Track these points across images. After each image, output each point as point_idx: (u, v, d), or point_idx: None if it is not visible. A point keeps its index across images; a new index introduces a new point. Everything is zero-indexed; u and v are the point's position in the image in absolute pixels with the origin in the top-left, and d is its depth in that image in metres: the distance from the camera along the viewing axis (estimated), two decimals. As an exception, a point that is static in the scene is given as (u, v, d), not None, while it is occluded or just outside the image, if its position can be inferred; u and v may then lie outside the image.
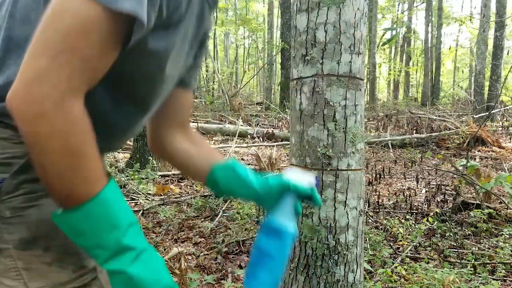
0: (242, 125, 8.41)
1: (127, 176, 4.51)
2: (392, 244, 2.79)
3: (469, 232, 2.95)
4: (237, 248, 2.77)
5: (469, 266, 2.38)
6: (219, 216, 3.39)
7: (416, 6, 24.63)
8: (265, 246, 0.83)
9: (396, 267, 2.37)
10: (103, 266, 0.67)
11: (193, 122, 8.56)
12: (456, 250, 2.66)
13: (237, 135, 7.48)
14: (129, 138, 0.91)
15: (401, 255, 2.59)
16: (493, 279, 2.24)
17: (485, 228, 2.97)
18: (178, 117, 0.98)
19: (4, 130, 0.72)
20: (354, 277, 1.15)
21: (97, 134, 0.68)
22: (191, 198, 3.89)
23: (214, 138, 7.71)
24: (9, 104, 0.59)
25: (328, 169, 1.10)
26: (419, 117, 9.09)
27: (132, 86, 0.76)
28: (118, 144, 0.90)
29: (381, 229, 3.09)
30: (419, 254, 2.68)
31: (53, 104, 0.58)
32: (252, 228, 3.08)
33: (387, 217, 3.31)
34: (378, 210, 3.52)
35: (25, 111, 0.58)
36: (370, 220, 3.26)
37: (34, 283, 0.74)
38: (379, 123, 8.67)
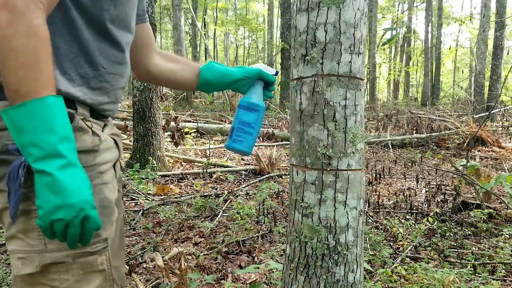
0: (242, 125, 8.40)
1: (127, 176, 4.52)
2: (392, 244, 2.79)
3: (469, 232, 2.95)
4: (237, 248, 2.76)
5: (469, 266, 2.38)
6: (219, 216, 3.39)
7: (416, 6, 24.62)
8: (246, 118, 1.14)
9: (396, 267, 2.37)
10: (33, 164, 0.74)
11: (193, 122, 8.57)
12: (456, 250, 2.66)
13: (237, 135, 7.46)
14: (120, 86, 1.01)
15: (401, 255, 2.59)
16: (493, 279, 2.24)
17: (485, 228, 2.97)
18: (149, 46, 1.16)
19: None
20: (354, 277, 1.15)
21: (90, 78, 0.90)
22: (191, 198, 3.89)
23: (214, 138, 7.71)
24: None
25: (328, 169, 1.10)
26: (419, 117, 9.09)
27: (100, 10, 0.90)
28: (114, 94, 0.99)
29: (381, 229, 3.09)
30: (419, 254, 2.68)
31: (18, 12, 0.73)
32: (252, 228, 3.08)
33: (387, 217, 3.31)
34: (378, 210, 3.52)
35: (1, 19, 0.72)
36: (370, 220, 3.26)
37: (52, 244, 0.84)
38: (379, 123, 8.66)
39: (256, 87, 1.18)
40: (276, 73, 1.23)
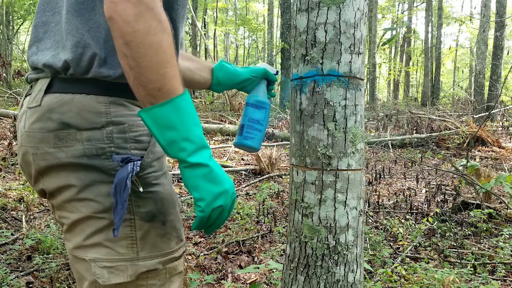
0: (242, 125, 8.40)
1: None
2: (392, 244, 2.79)
3: (469, 232, 2.95)
4: (237, 248, 2.76)
5: (469, 266, 2.38)
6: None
7: (416, 6, 24.61)
8: (255, 115, 1.17)
9: (396, 267, 2.37)
10: (188, 158, 0.74)
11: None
12: (456, 250, 2.66)
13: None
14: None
15: (401, 255, 2.59)
16: (493, 279, 2.24)
17: (485, 228, 2.97)
18: None
19: (138, 109, 0.83)
20: (354, 277, 1.15)
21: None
22: (191, 198, 3.89)
23: (214, 138, 7.71)
24: (110, 12, 0.69)
25: (328, 169, 1.10)
26: (419, 117, 9.08)
27: (176, 9, 0.89)
28: None
29: (381, 229, 3.09)
30: (419, 254, 2.68)
31: (146, 7, 0.69)
32: (252, 228, 3.08)
33: (387, 217, 3.31)
34: (378, 210, 3.52)
35: (125, 14, 0.68)
36: (370, 220, 3.26)
37: (144, 252, 0.83)
38: (379, 123, 8.66)
39: (261, 86, 1.22)
40: (277, 72, 1.27)
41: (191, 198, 3.89)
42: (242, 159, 6.13)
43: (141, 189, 0.81)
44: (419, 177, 4.83)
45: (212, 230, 0.82)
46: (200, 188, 0.76)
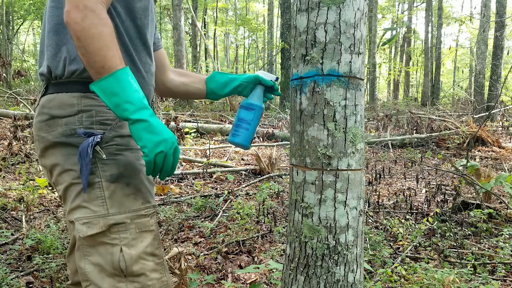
0: (242, 125, 8.38)
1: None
2: (392, 244, 2.79)
3: (469, 232, 2.95)
4: (237, 248, 2.77)
5: (469, 266, 2.38)
6: (219, 216, 3.39)
7: (416, 6, 24.61)
8: (245, 116, 1.31)
9: (396, 267, 2.37)
10: (131, 116, 0.96)
11: (193, 122, 8.56)
12: (456, 250, 2.66)
13: (237, 135, 7.45)
14: (151, 83, 1.24)
15: (401, 255, 2.59)
16: (493, 279, 2.24)
17: (485, 228, 2.97)
18: (165, 67, 1.41)
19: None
20: (354, 277, 1.15)
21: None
22: (191, 198, 3.89)
23: (214, 138, 7.70)
24: (66, 18, 0.95)
25: (328, 169, 1.10)
26: (419, 117, 9.08)
27: (134, 18, 1.13)
28: (148, 88, 1.21)
29: (381, 229, 3.09)
30: (419, 254, 2.68)
31: (89, 10, 0.94)
32: (252, 228, 3.08)
33: (387, 217, 3.31)
34: (378, 210, 3.52)
35: (75, 17, 0.94)
36: (370, 220, 3.26)
37: (113, 209, 1.05)
38: (379, 123, 8.66)
39: (256, 90, 1.36)
40: (276, 78, 1.39)
41: (191, 198, 3.89)
42: (242, 159, 6.13)
43: (104, 156, 1.05)
44: (419, 177, 4.83)
45: (163, 175, 1.01)
46: (142, 138, 0.97)
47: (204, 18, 21.75)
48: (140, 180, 1.10)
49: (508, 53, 12.54)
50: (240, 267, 2.50)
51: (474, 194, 3.71)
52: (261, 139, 7.65)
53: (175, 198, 3.97)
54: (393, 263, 2.45)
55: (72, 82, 1.07)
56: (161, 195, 4.07)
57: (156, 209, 1.14)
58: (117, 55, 0.97)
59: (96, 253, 1.05)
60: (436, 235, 2.93)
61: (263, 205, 3.56)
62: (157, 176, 1.02)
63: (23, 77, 12.57)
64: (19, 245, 2.69)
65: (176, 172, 4.97)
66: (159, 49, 1.40)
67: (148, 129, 0.96)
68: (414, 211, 3.47)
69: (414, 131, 7.88)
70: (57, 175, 1.09)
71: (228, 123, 8.99)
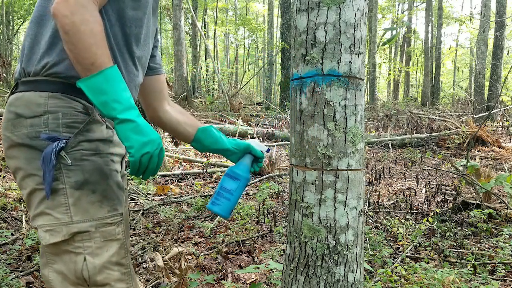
0: (242, 125, 8.41)
1: (127, 176, 4.51)
2: (392, 244, 2.79)
3: (469, 232, 2.95)
4: (237, 248, 2.76)
5: (469, 266, 2.38)
6: (219, 216, 3.38)
7: (416, 6, 24.61)
8: (228, 185, 1.25)
9: (396, 267, 2.37)
10: (118, 115, 0.94)
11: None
12: (456, 250, 2.66)
13: (237, 135, 7.48)
14: (134, 84, 1.20)
15: (401, 255, 2.59)
16: (493, 279, 2.24)
17: (485, 228, 2.97)
18: (162, 93, 1.36)
19: (74, 102, 1.04)
20: (354, 277, 1.15)
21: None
22: (191, 198, 3.89)
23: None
24: (54, 10, 0.92)
25: (328, 169, 1.10)
26: (419, 117, 9.08)
27: (126, 25, 1.10)
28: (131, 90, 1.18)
29: (381, 229, 3.09)
30: (419, 254, 2.68)
31: (80, 5, 0.92)
32: (252, 228, 3.08)
33: (387, 217, 3.31)
34: (378, 210, 3.52)
35: (65, 10, 0.91)
36: (370, 220, 3.26)
37: (77, 216, 1.02)
38: (379, 123, 8.66)
39: (245, 159, 1.31)
40: (268, 150, 1.36)
41: (190, 198, 3.89)
42: (242, 159, 6.12)
43: (69, 162, 1.01)
44: (419, 177, 4.83)
45: (147, 175, 1.00)
46: (129, 138, 0.95)
47: (204, 18, 21.76)
48: (108, 186, 1.06)
49: (508, 53, 12.54)
50: (240, 267, 2.50)
51: (474, 194, 3.71)
52: (261, 139, 7.65)
53: (175, 198, 3.97)
54: (393, 263, 2.45)
55: (40, 81, 1.04)
56: (161, 195, 4.07)
57: (123, 217, 1.10)
58: (106, 53, 0.95)
59: (60, 261, 1.03)
60: (436, 235, 2.93)
61: (263, 205, 3.56)
62: (140, 176, 1.00)
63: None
64: (19, 245, 2.69)
65: (176, 172, 4.98)
66: (159, 74, 1.36)
67: (136, 129, 0.95)
68: (414, 211, 3.47)
69: (414, 131, 7.88)
70: (21, 179, 1.05)
71: (228, 123, 8.99)
